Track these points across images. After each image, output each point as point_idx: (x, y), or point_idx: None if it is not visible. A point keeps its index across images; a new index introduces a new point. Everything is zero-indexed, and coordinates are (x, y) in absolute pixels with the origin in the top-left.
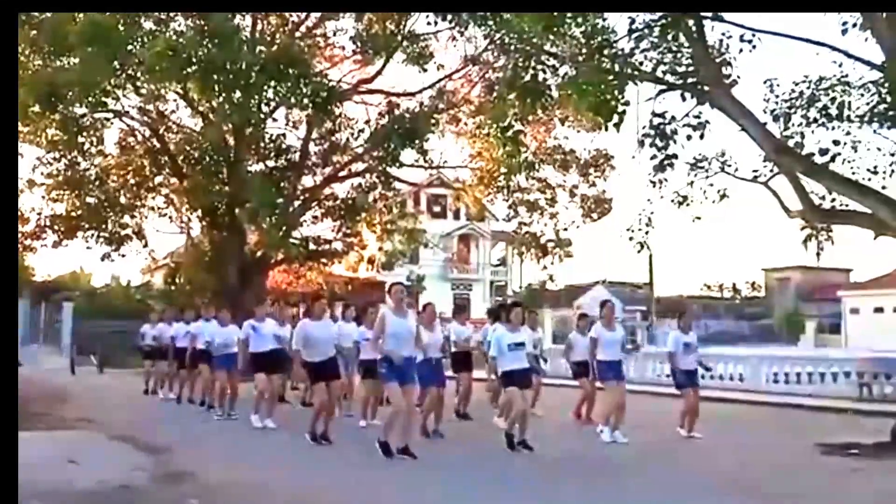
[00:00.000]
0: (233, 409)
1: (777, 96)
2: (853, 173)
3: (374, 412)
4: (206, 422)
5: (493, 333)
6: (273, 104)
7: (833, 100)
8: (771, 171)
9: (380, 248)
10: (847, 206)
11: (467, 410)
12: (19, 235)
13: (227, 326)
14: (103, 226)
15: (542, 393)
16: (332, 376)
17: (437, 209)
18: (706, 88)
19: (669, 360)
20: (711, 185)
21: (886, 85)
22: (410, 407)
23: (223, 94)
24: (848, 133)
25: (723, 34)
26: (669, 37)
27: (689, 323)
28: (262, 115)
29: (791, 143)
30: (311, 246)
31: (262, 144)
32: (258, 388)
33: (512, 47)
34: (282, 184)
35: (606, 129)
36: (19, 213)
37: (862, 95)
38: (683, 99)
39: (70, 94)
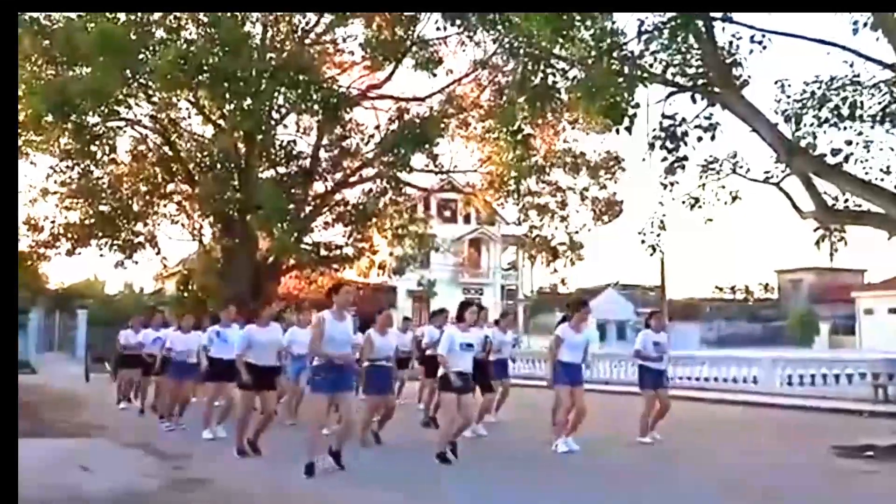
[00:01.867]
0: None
1: (788, 97)
2: (866, 173)
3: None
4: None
5: (446, 332)
6: (283, 111)
7: (845, 100)
8: (783, 172)
9: (391, 253)
10: (860, 206)
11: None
12: (33, 244)
13: (189, 333)
14: (116, 233)
15: (508, 395)
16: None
17: (447, 214)
18: (716, 90)
19: (636, 357)
20: (723, 186)
21: None
22: (348, 415)
23: (234, 102)
24: (860, 133)
25: (733, 35)
26: (679, 38)
27: (662, 323)
28: (273, 122)
29: (803, 143)
30: (323, 251)
31: (273, 151)
32: (208, 397)
33: (521, 51)
34: (293, 190)
35: (617, 131)
36: (33, 222)
37: (873, 95)
38: (694, 101)
39: (82, 103)
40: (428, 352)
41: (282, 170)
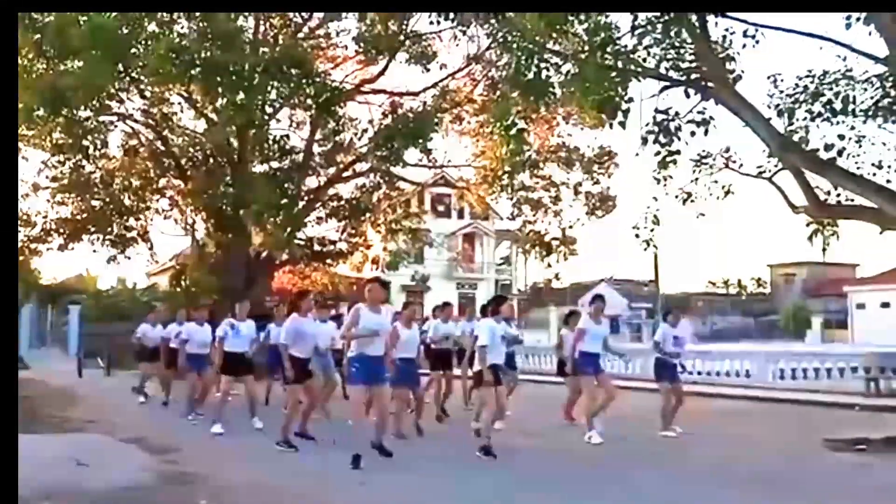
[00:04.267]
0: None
1: (781, 91)
2: (858, 168)
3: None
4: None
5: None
6: (276, 105)
7: (837, 94)
8: (775, 166)
9: (384, 248)
10: (852, 201)
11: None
12: (25, 239)
13: (203, 326)
14: (108, 228)
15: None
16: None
17: (441, 208)
18: (710, 84)
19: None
20: (716, 181)
21: (891, 79)
22: (383, 408)
23: (226, 96)
24: (852, 128)
25: (726, 30)
26: (672, 33)
27: (679, 318)
28: (266, 117)
29: (795, 138)
30: (316, 246)
31: (266, 145)
32: (222, 390)
33: (514, 45)
34: (286, 185)
35: (610, 126)
36: (25, 217)
37: (866, 90)
38: (687, 95)
39: (74, 97)
40: (433, 346)
41: (275, 164)
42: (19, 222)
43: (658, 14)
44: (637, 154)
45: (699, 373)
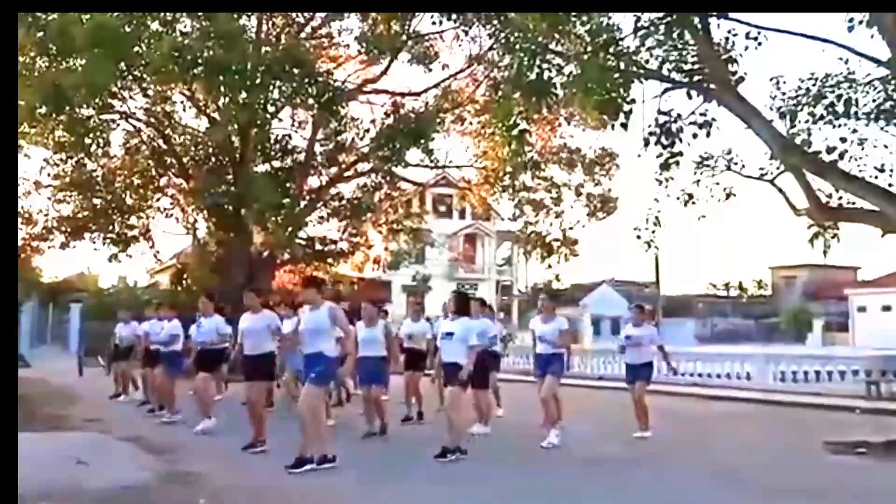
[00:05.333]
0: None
1: (783, 94)
2: (860, 171)
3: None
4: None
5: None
6: (278, 104)
7: (839, 97)
8: (777, 169)
9: (385, 248)
10: (854, 203)
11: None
12: (27, 237)
13: (167, 323)
14: (110, 227)
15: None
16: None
17: (442, 209)
18: (712, 86)
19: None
20: (717, 183)
21: (893, 82)
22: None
23: (229, 95)
24: (855, 130)
25: (728, 31)
26: (675, 34)
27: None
28: (268, 116)
29: (798, 140)
30: (317, 246)
31: (268, 145)
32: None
33: (517, 46)
34: (287, 184)
35: (612, 127)
36: (27, 215)
37: (868, 93)
38: (689, 97)
39: (76, 95)
40: (403, 345)
41: (277, 164)
42: (21, 220)
43: (661, 16)
44: (639, 155)
45: (699, 375)
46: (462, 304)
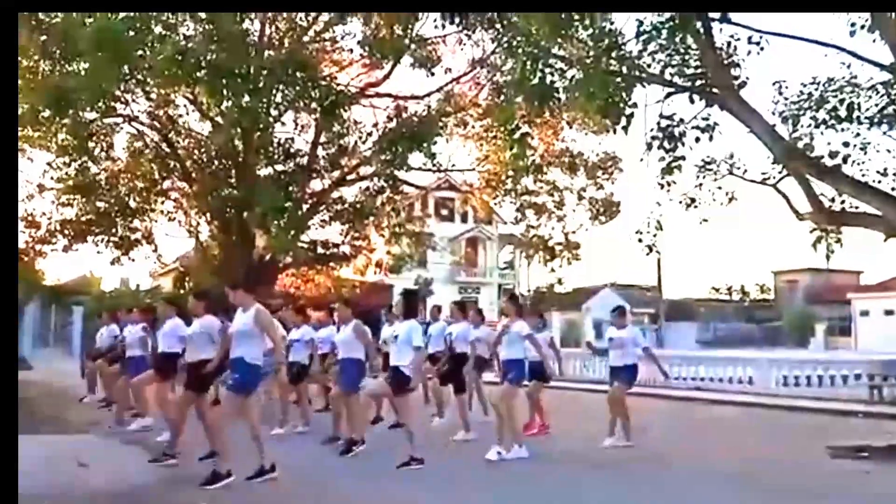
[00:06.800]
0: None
1: (786, 98)
2: (863, 175)
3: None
4: None
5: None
6: (281, 108)
7: (842, 101)
8: (780, 173)
9: (388, 252)
10: (857, 208)
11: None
12: (30, 240)
13: (138, 327)
14: (113, 230)
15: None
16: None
17: (444, 212)
18: (714, 90)
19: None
20: (720, 187)
21: (895, 86)
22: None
23: (232, 99)
24: (857, 135)
25: (731, 36)
26: (677, 39)
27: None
28: (271, 119)
29: (800, 145)
30: (320, 249)
31: (271, 148)
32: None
33: (519, 50)
34: (290, 187)
35: (614, 131)
36: (30, 218)
37: (871, 97)
38: (692, 101)
39: (80, 99)
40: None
41: (279, 167)
42: (24, 223)
43: (663, 20)
44: (641, 159)
45: (702, 379)
46: (410, 307)
